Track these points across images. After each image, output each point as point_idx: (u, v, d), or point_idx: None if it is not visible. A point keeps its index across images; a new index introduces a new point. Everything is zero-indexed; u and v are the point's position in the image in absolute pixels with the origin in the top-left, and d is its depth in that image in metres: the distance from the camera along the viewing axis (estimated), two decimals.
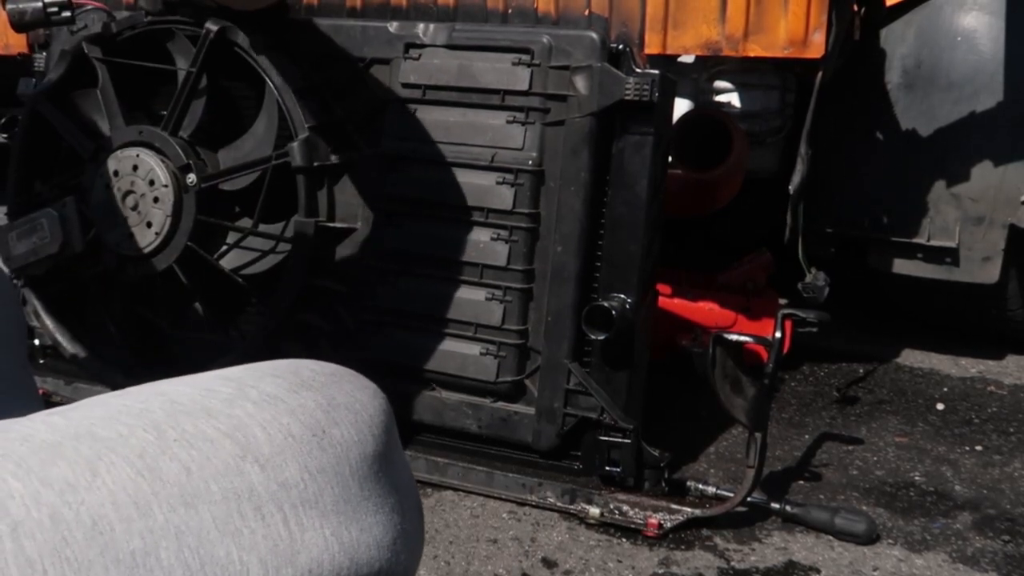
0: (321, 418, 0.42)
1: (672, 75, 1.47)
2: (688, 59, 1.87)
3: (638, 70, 1.34)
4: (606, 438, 1.39)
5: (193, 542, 0.34)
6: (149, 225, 1.47)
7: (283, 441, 0.39)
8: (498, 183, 1.38)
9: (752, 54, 1.47)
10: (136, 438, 0.36)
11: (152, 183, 1.47)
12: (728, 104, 2.01)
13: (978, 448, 1.70)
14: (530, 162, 1.37)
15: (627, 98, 1.31)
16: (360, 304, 1.49)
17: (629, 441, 1.38)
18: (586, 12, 1.51)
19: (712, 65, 1.98)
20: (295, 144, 1.43)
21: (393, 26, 1.45)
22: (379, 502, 0.42)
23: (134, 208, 1.48)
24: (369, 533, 0.41)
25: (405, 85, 1.44)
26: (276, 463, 0.38)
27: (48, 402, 1.15)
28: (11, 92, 1.75)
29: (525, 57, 1.37)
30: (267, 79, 1.45)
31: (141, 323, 1.62)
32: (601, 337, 1.32)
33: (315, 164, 1.45)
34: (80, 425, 0.36)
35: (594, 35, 1.35)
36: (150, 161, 1.47)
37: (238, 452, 0.38)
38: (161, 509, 0.34)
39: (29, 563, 0.30)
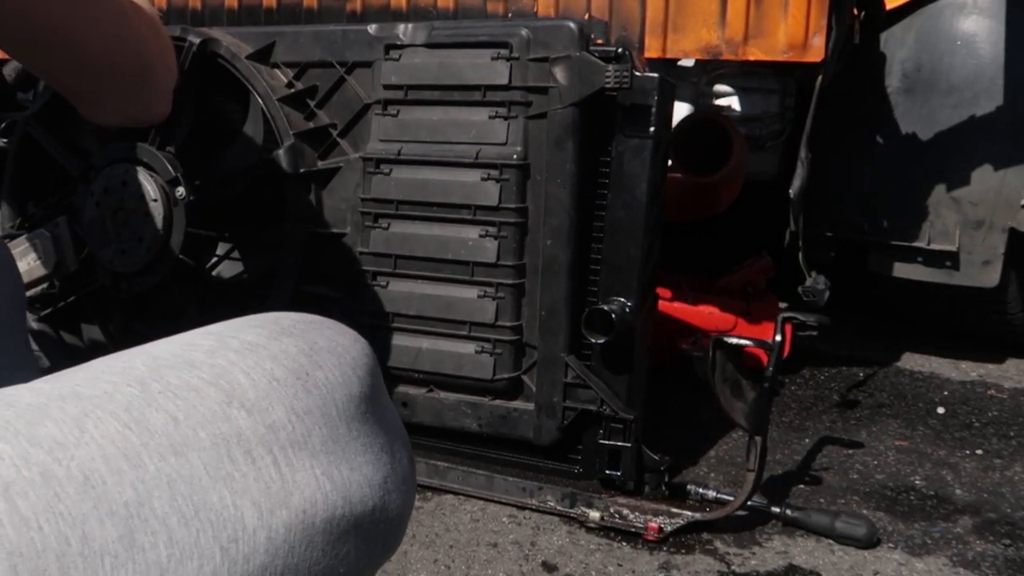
0: (304, 362, 0.42)
1: (672, 79, 1.47)
2: (688, 63, 1.87)
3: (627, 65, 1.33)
4: (607, 442, 1.39)
5: (185, 489, 0.35)
6: (141, 240, 1.47)
7: (267, 385, 0.40)
8: (483, 179, 1.37)
9: (752, 58, 1.47)
10: (121, 393, 0.36)
11: (142, 198, 1.46)
12: (728, 108, 2.01)
13: (978, 452, 1.69)
14: (515, 156, 1.36)
15: (607, 86, 1.29)
16: (352, 309, 1.48)
17: (630, 445, 1.38)
18: (586, 16, 1.51)
19: (712, 69, 1.98)
20: (281, 151, 1.43)
21: (373, 28, 1.44)
22: (368, 442, 0.43)
23: (125, 224, 1.48)
24: (360, 472, 0.41)
25: (387, 87, 1.43)
26: (262, 407, 0.39)
27: None
28: (12, 96, 1.76)
29: (504, 51, 1.36)
30: (251, 88, 1.45)
31: (138, 339, 1.62)
32: (601, 341, 1.32)
33: (302, 170, 1.45)
34: (64, 387, 0.37)
35: (572, 25, 1.33)
36: (139, 176, 1.47)
37: (223, 399, 0.38)
38: (151, 459, 0.34)
39: (24, 521, 0.30)
